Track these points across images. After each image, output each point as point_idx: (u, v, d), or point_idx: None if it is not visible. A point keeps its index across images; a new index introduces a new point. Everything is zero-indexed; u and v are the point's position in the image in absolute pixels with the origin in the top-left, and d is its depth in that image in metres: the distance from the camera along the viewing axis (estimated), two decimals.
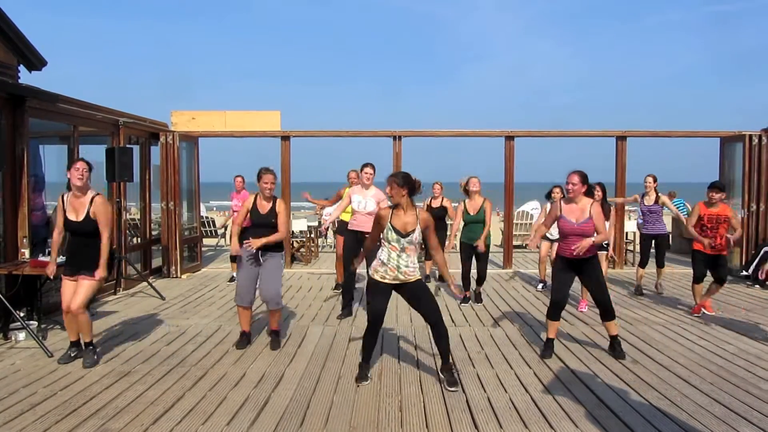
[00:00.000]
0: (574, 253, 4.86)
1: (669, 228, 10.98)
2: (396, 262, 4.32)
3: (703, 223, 6.42)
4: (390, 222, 4.29)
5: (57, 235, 4.94)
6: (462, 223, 7.27)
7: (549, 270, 8.16)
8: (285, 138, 10.42)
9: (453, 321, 6.42)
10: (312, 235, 12.15)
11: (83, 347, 5.00)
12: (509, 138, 10.22)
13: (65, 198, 4.83)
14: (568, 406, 3.99)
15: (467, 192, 7.19)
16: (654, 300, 7.49)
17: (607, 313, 5.09)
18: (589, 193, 5.14)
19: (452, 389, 4.29)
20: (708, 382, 4.44)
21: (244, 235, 5.30)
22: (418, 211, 4.35)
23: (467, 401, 4.09)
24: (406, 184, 4.28)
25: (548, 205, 7.97)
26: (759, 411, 3.88)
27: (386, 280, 4.38)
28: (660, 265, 7.92)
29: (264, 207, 5.25)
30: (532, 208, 14.49)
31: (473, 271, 7.31)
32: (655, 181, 7.70)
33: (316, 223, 13.56)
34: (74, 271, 4.84)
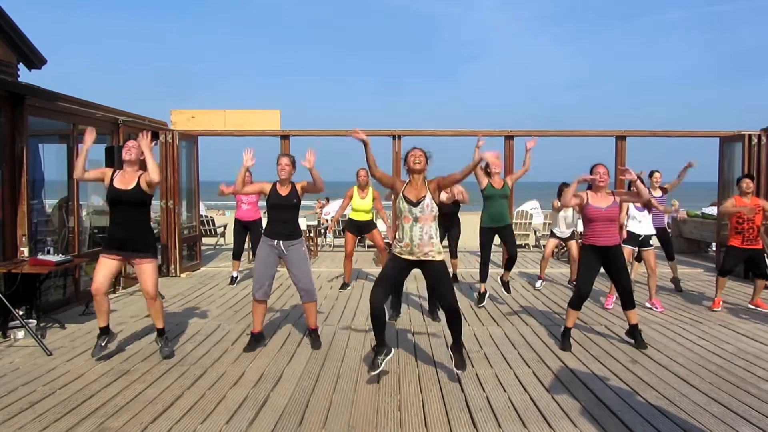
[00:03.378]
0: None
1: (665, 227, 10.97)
2: (410, 234, 4.32)
3: (740, 215, 6.65)
4: (403, 192, 4.38)
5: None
6: (483, 198, 6.94)
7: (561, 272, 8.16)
8: (285, 137, 10.42)
9: None
10: (311, 235, 12.16)
11: (157, 334, 5.08)
12: (509, 137, 10.22)
13: (114, 173, 4.91)
14: (567, 405, 3.99)
15: (488, 174, 6.94)
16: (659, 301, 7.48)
17: (631, 301, 5.28)
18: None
19: (460, 370, 4.34)
20: (707, 381, 4.44)
21: (265, 226, 5.33)
22: (427, 182, 4.42)
23: (466, 401, 4.09)
24: (428, 161, 4.43)
25: (556, 201, 7.97)
26: (758, 411, 3.88)
27: (403, 255, 4.38)
28: (670, 258, 7.99)
29: (284, 190, 5.23)
30: (532, 207, 14.51)
31: (490, 269, 7.09)
32: (660, 176, 7.91)
33: (315, 223, 13.58)
34: (125, 251, 4.84)
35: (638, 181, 5.17)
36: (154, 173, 4.78)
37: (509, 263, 7.09)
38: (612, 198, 5.22)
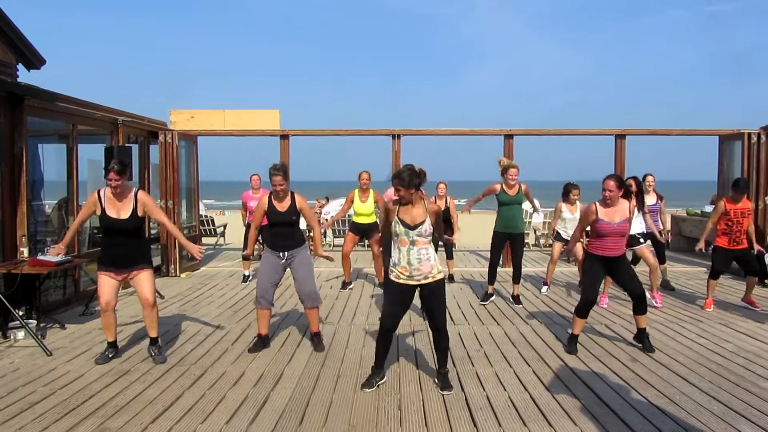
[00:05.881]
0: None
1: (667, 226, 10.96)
2: (407, 257, 4.18)
3: (729, 218, 6.70)
4: (398, 215, 4.20)
5: (76, 225, 4.94)
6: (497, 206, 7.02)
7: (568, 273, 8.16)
8: (284, 137, 10.42)
9: (452, 319, 6.41)
10: (311, 235, 12.15)
11: (151, 343, 5.04)
12: (508, 137, 10.22)
13: (102, 194, 4.79)
14: (567, 404, 3.99)
15: (504, 174, 7.00)
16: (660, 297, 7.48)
17: (642, 305, 5.21)
18: (626, 194, 5.29)
19: (446, 392, 4.24)
20: (707, 380, 4.45)
21: (263, 234, 5.26)
22: (427, 203, 4.25)
23: (466, 399, 4.09)
24: (411, 184, 4.13)
25: (562, 204, 7.86)
26: (758, 409, 3.88)
27: (401, 280, 4.23)
28: (662, 261, 7.99)
29: (282, 205, 5.13)
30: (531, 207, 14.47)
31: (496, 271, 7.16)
32: (653, 180, 7.84)
33: None
34: (123, 268, 4.82)
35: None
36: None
37: (515, 275, 7.16)
38: (627, 213, 5.10)
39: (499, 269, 7.37)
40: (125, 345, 5.39)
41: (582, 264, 7.75)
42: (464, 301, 7.40)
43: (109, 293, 4.82)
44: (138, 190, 4.93)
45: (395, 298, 4.29)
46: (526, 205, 13.85)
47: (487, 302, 7.11)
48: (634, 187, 6.85)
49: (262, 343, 5.31)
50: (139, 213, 4.82)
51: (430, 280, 4.23)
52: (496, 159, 7.39)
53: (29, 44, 9.19)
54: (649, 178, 7.80)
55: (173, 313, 6.76)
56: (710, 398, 4.08)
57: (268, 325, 5.41)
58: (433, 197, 8.32)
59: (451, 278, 8.73)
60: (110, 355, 4.93)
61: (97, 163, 7.81)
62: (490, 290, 7.18)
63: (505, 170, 7.04)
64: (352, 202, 7.94)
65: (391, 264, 4.31)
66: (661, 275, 8.10)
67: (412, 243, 4.19)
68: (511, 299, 7.27)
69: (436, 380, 4.41)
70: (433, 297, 4.29)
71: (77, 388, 4.30)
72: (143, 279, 4.88)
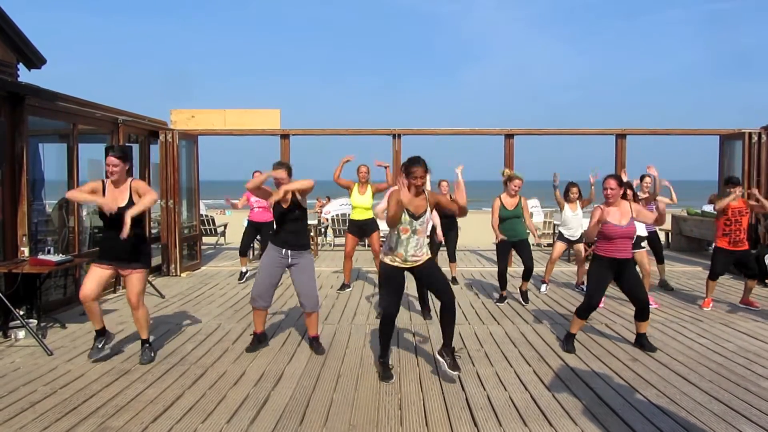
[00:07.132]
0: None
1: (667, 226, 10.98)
2: (405, 245, 4.38)
3: (728, 217, 6.69)
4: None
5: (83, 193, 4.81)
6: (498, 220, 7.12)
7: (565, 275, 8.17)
8: (284, 136, 10.43)
9: None
10: (311, 234, 12.17)
11: (141, 344, 5.01)
12: (509, 136, 10.22)
13: (105, 183, 4.81)
14: (568, 403, 3.99)
15: (506, 185, 7.15)
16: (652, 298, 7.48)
17: (645, 313, 5.17)
18: (623, 197, 5.29)
19: (454, 372, 4.34)
20: (707, 379, 4.45)
21: (272, 234, 5.22)
22: (427, 194, 4.46)
23: (467, 399, 4.09)
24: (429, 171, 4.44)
25: (564, 203, 7.85)
26: (758, 408, 3.88)
27: (395, 263, 4.44)
28: (660, 261, 8.03)
29: (286, 201, 5.09)
30: (532, 206, 14.49)
31: (507, 270, 7.26)
32: (650, 182, 7.82)
33: (315, 222, 13.59)
34: (117, 261, 4.79)
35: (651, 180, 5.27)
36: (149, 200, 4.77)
37: (526, 274, 7.26)
38: (630, 214, 5.10)
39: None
40: (126, 345, 5.40)
41: (583, 265, 7.76)
42: (465, 300, 7.40)
43: (92, 284, 4.73)
44: (133, 179, 4.88)
45: (392, 282, 4.48)
46: (528, 204, 13.89)
47: (502, 303, 7.23)
48: (630, 195, 6.84)
49: (258, 341, 5.31)
50: (135, 201, 4.76)
51: (420, 262, 4.46)
52: (500, 171, 7.50)
53: (30, 44, 9.21)
54: (647, 180, 7.77)
55: (173, 312, 6.76)
56: (711, 398, 4.08)
57: (264, 323, 5.39)
58: None
59: (454, 280, 8.73)
60: (100, 345, 4.86)
61: (97, 162, 7.81)
62: (504, 293, 7.31)
63: (509, 179, 7.13)
64: (349, 189, 7.87)
65: (387, 248, 4.49)
66: (660, 274, 8.13)
67: (414, 232, 4.39)
68: (518, 292, 7.39)
69: (444, 356, 4.42)
70: (430, 274, 4.50)
71: (78, 387, 4.30)
72: (133, 280, 4.83)
